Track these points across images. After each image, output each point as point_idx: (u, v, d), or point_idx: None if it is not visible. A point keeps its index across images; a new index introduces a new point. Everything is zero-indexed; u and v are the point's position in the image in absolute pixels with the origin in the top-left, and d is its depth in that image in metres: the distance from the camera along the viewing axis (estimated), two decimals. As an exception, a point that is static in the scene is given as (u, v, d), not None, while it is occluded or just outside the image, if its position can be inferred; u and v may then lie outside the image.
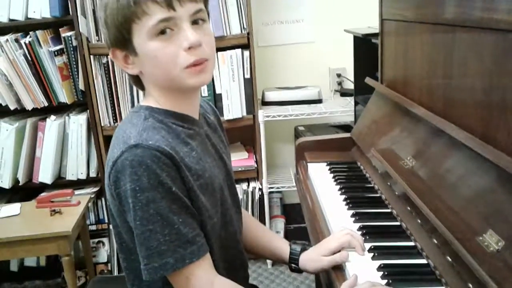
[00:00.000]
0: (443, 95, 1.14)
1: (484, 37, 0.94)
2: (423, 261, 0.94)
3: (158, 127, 0.90)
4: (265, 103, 2.43)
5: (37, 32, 2.15)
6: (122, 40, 0.88)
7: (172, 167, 0.86)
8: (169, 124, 0.92)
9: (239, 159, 2.41)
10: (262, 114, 2.27)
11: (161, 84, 0.93)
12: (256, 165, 2.39)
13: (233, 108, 2.28)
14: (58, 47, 2.19)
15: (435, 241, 0.94)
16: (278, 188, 2.44)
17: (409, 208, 1.08)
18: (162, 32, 0.86)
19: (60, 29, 2.19)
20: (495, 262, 0.74)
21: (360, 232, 1.07)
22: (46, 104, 2.22)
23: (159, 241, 0.84)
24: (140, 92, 2.18)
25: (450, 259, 0.87)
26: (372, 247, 1.00)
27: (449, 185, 0.98)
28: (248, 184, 2.41)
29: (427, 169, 1.08)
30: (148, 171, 0.83)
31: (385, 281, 0.89)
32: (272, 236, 1.20)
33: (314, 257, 1.06)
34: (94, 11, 2.14)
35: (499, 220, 0.80)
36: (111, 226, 2.35)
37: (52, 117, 2.23)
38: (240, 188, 2.38)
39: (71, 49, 2.19)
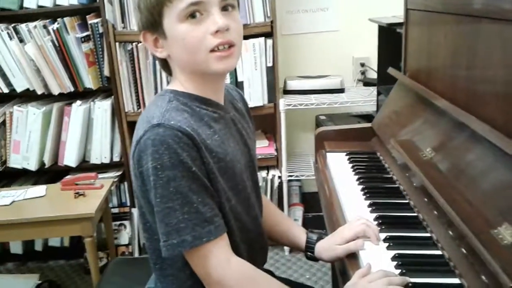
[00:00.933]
0: (466, 87, 1.13)
1: (509, 30, 0.92)
2: (438, 252, 0.94)
3: (182, 109, 0.92)
4: (286, 92, 2.43)
5: (65, 19, 2.19)
6: (153, 22, 0.91)
7: (192, 148, 0.88)
8: (193, 107, 0.94)
9: (259, 146, 2.42)
10: (284, 103, 2.27)
11: (188, 68, 0.95)
12: (276, 153, 2.40)
13: (255, 96, 2.29)
14: (84, 34, 2.23)
15: (450, 233, 0.93)
16: (297, 176, 2.44)
17: (426, 200, 1.08)
18: (192, 15, 0.89)
19: (87, 16, 2.23)
20: (508, 255, 0.73)
21: (376, 222, 1.07)
22: (72, 89, 2.28)
23: (178, 219, 0.86)
24: (164, 80, 2.21)
25: (464, 251, 0.87)
26: (388, 237, 1.01)
27: (467, 178, 0.97)
28: (268, 172, 2.42)
29: (446, 161, 1.08)
30: (169, 150, 0.85)
31: (399, 270, 0.89)
32: (290, 224, 1.22)
33: (329, 246, 1.07)
34: (120, -1, 2.17)
35: (515, 213, 0.79)
36: (133, 210, 2.41)
37: (78, 102, 2.29)
38: (260, 175, 2.39)
39: (98, 35, 2.22)
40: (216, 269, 0.90)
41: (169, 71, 1.01)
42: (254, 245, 1.07)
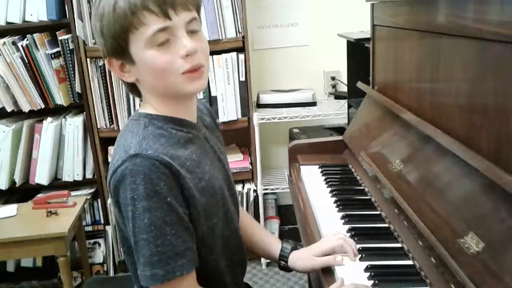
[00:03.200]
0: (430, 101, 1.17)
1: (469, 45, 0.97)
2: (410, 262, 0.97)
3: (158, 135, 0.92)
4: (260, 106, 2.45)
5: (34, 35, 2.17)
6: (119, 49, 0.90)
7: (170, 177, 0.87)
8: (169, 130, 0.94)
9: (234, 160, 2.43)
10: (257, 117, 2.29)
11: (158, 91, 0.95)
12: (251, 167, 2.42)
13: (228, 110, 2.30)
14: (55, 50, 2.21)
15: (420, 243, 0.96)
16: (272, 189, 2.46)
17: (396, 211, 1.11)
18: (160, 42, 0.88)
19: (57, 32, 2.22)
20: (474, 264, 0.76)
21: (349, 234, 1.10)
22: (42, 106, 2.25)
23: (151, 251, 0.86)
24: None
25: (434, 261, 0.89)
26: (360, 248, 1.03)
27: (434, 189, 1.01)
28: (243, 186, 2.43)
29: (414, 173, 1.11)
30: (146, 180, 0.85)
31: (372, 281, 0.92)
32: (264, 234, 1.23)
33: (305, 256, 1.08)
34: (90, 15, 2.15)
35: (479, 222, 0.82)
36: (107, 227, 2.38)
37: (49, 119, 2.26)
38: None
39: (68, 52, 2.21)
40: None
41: (138, 94, 0.99)
42: (234, 258, 1.07)
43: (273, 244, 1.16)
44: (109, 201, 0.86)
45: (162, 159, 0.87)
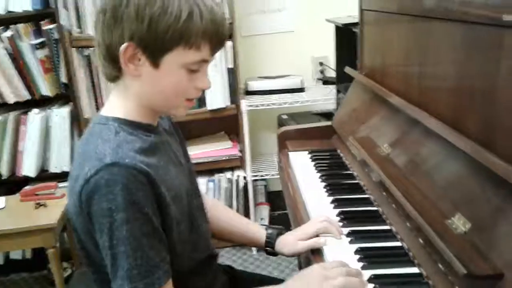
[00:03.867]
0: (418, 85, 1.18)
1: (456, 29, 0.97)
2: (398, 243, 0.98)
3: (131, 141, 0.88)
4: (248, 93, 2.45)
5: (18, 25, 2.14)
6: (155, 46, 0.85)
7: (147, 186, 0.84)
8: (140, 136, 0.91)
9: (223, 148, 2.44)
10: (245, 104, 2.29)
11: (149, 101, 0.92)
12: (240, 154, 2.42)
13: (217, 98, 2.30)
14: (39, 40, 2.18)
15: (408, 225, 0.98)
16: (262, 176, 2.47)
17: (384, 194, 1.12)
18: (193, 69, 0.89)
19: (41, 22, 2.18)
20: (461, 244, 0.78)
21: (339, 218, 1.11)
22: (28, 97, 2.22)
23: (130, 264, 0.83)
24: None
25: (422, 241, 0.91)
26: (350, 231, 1.04)
27: (422, 171, 1.02)
28: (233, 173, 2.44)
29: (402, 156, 1.12)
30: (124, 190, 0.81)
31: (362, 263, 0.93)
32: (247, 222, 1.23)
33: (291, 241, 1.09)
34: (75, 3, 2.13)
35: (466, 203, 0.84)
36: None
37: (35, 110, 2.23)
38: (225, 177, 2.41)
39: (53, 42, 2.18)
40: None
41: (112, 80, 0.94)
42: (202, 257, 1.05)
43: (258, 232, 1.17)
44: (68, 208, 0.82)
45: (140, 168, 0.83)
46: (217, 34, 0.88)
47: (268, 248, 1.15)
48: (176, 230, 0.93)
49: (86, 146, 0.88)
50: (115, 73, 0.90)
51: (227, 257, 2.39)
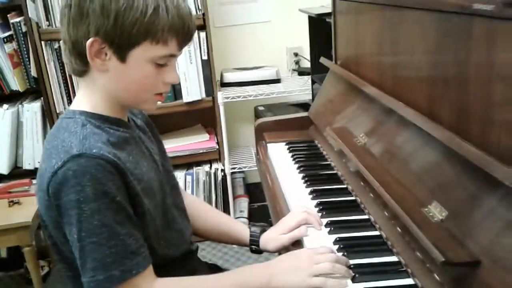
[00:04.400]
0: (392, 74, 1.19)
1: (427, 18, 0.98)
2: (376, 233, 1.00)
3: (98, 133, 0.88)
4: (224, 84, 2.43)
5: (-16, 18, 2.07)
6: (122, 42, 0.85)
7: (116, 175, 0.84)
8: (106, 129, 0.90)
9: (200, 141, 2.42)
10: (222, 96, 2.27)
11: (117, 95, 0.92)
12: (217, 147, 2.41)
13: (192, 90, 2.27)
14: (7, 34, 2.12)
15: (386, 213, 0.99)
16: (240, 168, 2.47)
17: (362, 184, 1.13)
18: (160, 64, 0.90)
19: (8, 15, 2.11)
20: (438, 231, 0.79)
21: (317, 208, 1.11)
22: (-3, 92, 2.16)
23: (104, 253, 0.82)
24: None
25: (400, 230, 0.92)
26: (329, 222, 1.05)
27: (398, 160, 1.03)
28: (211, 166, 2.43)
29: (378, 145, 1.13)
30: (93, 181, 0.81)
31: (341, 253, 0.93)
32: (230, 222, 1.23)
33: (273, 236, 1.09)
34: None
35: (442, 191, 0.85)
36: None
37: (5, 106, 2.17)
38: (203, 170, 2.40)
39: (21, 35, 2.12)
40: None
41: (79, 75, 0.93)
42: (178, 256, 1.04)
43: (242, 230, 1.16)
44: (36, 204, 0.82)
45: (107, 158, 0.83)
46: (184, 29, 0.89)
47: (253, 246, 1.15)
48: (151, 224, 0.93)
49: (53, 140, 0.87)
50: (83, 68, 0.90)
51: (208, 251, 2.39)
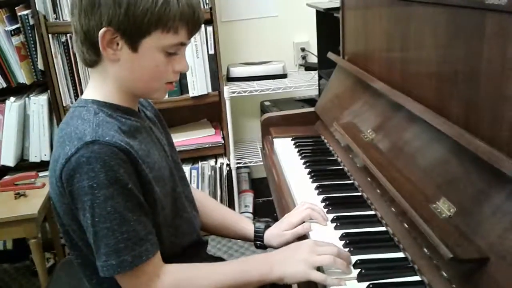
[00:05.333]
0: (401, 69, 1.18)
1: (438, 12, 0.97)
2: (383, 228, 0.99)
3: (110, 122, 0.89)
4: (230, 79, 2.43)
5: (-9, 11, 2.07)
6: (133, 30, 0.86)
7: (128, 163, 0.85)
8: (118, 118, 0.92)
9: (206, 135, 2.42)
10: (228, 90, 2.27)
11: (128, 85, 0.93)
12: (223, 141, 2.40)
13: (198, 85, 2.27)
14: (14, 27, 2.11)
15: (393, 209, 0.98)
16: (245, 163, 2.46)
17: (369, 179, 1.12)
18: (170, 52, 0.91)
19: (16, 8, 2.11)
20: (446, 227, 0.78)
21: (323, 204, 1.11)
22: (4, 85, 2.16)
23: (117, 239, 0.84)
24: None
25: (407, 226, 0.91)
26: (335, 217, 1.04)
27: (406, 156, 1.02)
28: (216, 160, 2.43)
29: (386, 141, 1.13)
30: (106, 167, 0.82)
31: (347, 249, 0.93)
32: (236, 217, 1.23)
33: (277, 233, 1.09)
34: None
35: (451, 187, 0.84)
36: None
37: (12, 98, 2.17)
38: (208, 164, 2.40)
39: (28, 28, 2.12)
40: (149, 286, 0.89)
41: (90, 65, 0.94)
42: (189, 247, 1.06)
43: (246, 226, 1.17)
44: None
45: (120, 145, 0.84)
46: (193, 17, 0.90)
47: (258, 242, 1.15)
48: (162, 212, 0.95)
49: (66, 128, 0.89)
50: (94, 58, 0.91)
51: (212, 245, 2.39)
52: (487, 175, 0.77)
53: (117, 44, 0.88)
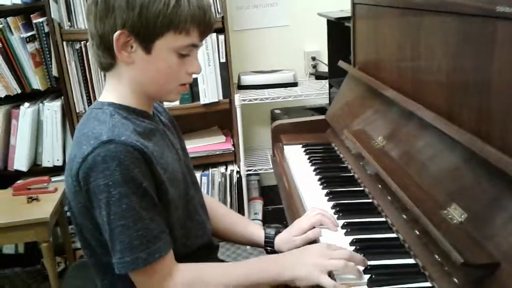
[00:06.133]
0: (412, 77, 1.19)
1: (449, 21, 0.98)
2: (393, 235, 0.99)
3: (125, 123, 0.91)
4: (241, 87, 2.44)
5: (8, 18, 2.11)
6: (147, 32, 0.89)
7: (144, 163, 0.87)
8: (133, 120, 0.94)
9: (216, 142, 2.44)
10: (239, 98, 2.29)
11: (143, 87, 0.95)
12: (233, 149, 2.42)
13: (210, 92, 2.29)
14: (29, 34, 2.16)
15: (404, 216, 0.98)
16: (255, 170, 2.47)
17: (380, 186, 1.13)
18: (183, 54, 0.93)
19: (31, 15, 2.16)
20: (458, 233, 0.79)
21: (333, 210, 1.12)
22: (19, 91, 2.20)
23: (131, 236, 0.86)
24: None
25: (417, 232, 0.92)
26: (345, 223, 1.05)
27: (417, 163, 1.03)
28: (226, 168, 2.44)
29: (397, 148, 1.13)
30: (121, 166, 0.84)
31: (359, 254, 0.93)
32: (246, 223, 1.24)
33: (287, 238, 1.10)
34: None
35: (462, 194, 0.85)
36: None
37: (26, 104, 2.21)
38: (218, 171, 2.41)
39: (43, 35, 2.16)
40: (162, 285, 0.90)
41: (106, 69, 0.96)
42: (200, 249, 1.07)
43: (257, 231, 1.18)
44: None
45: (135, 145, 0.86)
46: (205, 19, 0.92)
47: (268, 248, 1.15)
48: (175, 213, 0.96)
49: (83, 129, 0.91)
50: (110, 61, 0.94)
51: (221, 252, 2.39)
52: (498, 182, 0.77)
53: (131, 46, 0.91)
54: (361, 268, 0.89)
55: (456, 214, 0.82)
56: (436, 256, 0.83)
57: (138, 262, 0.87)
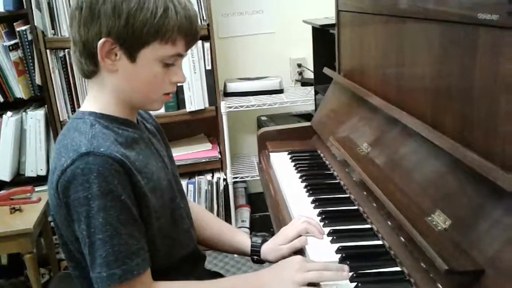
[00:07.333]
0: (396, 84, 1.19)
1: (432, 28, 0.99)
2: (379, 242, 0.99)
3: (106, 133, 0.89)
4: (227, 94, 2.44)
5: (-10, 26, 2.08)
6: (133, 41, 0.87)
7: (123, 175, 0.86)
8: (115, 129, 0.92)
9: (202, 150, 2.43)
10: (225, 105, 2.28)
11: (126, 96, 0.94)
12: (220, 156, 2.41)
13: (195, 100, 2.28)
14: (13, 42, 2.13)
15: (389, 223, 0.98)
16: (242, 177, 2.46)
17: (365, 193, 1.13)
18: (168, 63, 0.92)
19: (14, 23, 2.13)
20: (442, 240, 0.79)
21: (319, 217, 1.11)
22: (1, 100, 2.17)
23: (107, 251, 0.84)
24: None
25: (403, 240, 0.91)
26: (331, 230, 1.04)
27: (402, 170, 1.03)
28: (213, 175, 2.43)
29: (382, 155, 1.13)
30: (99, 178, 0.82)
31: (344, 262, 0.93)
32: (233, 231, 1.23)
33: (274, 247, 1.09)
34: (49, 4, 2.09)
35: (446, 200, 0.85)
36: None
37: (9, 113, 2.18)
38: (205, 179, 2.40)
39: (27, 43, 2.13)
40: None
41: (88, 76, 0.95)
42: (186, 259, 1.06)
43: (243, 240, 1.16)
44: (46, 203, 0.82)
45: (115, 157, 0.85)
46: (191, 30, 0.92)
47: (255, 256, 1.14)
48: (156, 223, 0.94)
49: (63, 140, 0.90)
50: (92, 69, 0.92)
51: (209, 260, 2.36)
52: (482, 188, 0.78)
53: (116, 54, 0.89)
54: (345, 274, 0.89)
55: (440, 220, 0.82)
56: (421, 263, 0.83)
57: (114, 278, 0.84)
